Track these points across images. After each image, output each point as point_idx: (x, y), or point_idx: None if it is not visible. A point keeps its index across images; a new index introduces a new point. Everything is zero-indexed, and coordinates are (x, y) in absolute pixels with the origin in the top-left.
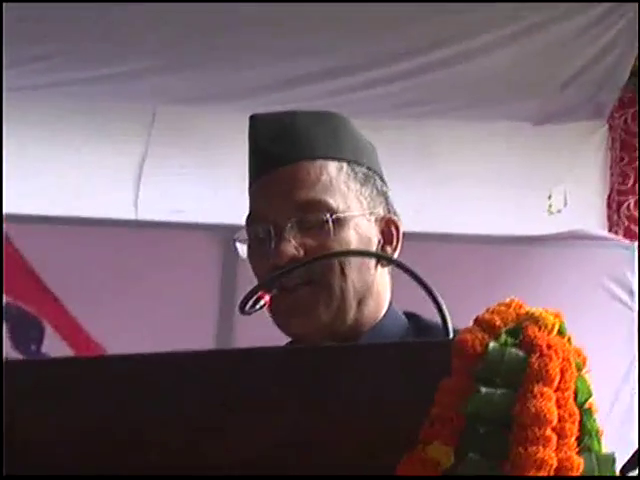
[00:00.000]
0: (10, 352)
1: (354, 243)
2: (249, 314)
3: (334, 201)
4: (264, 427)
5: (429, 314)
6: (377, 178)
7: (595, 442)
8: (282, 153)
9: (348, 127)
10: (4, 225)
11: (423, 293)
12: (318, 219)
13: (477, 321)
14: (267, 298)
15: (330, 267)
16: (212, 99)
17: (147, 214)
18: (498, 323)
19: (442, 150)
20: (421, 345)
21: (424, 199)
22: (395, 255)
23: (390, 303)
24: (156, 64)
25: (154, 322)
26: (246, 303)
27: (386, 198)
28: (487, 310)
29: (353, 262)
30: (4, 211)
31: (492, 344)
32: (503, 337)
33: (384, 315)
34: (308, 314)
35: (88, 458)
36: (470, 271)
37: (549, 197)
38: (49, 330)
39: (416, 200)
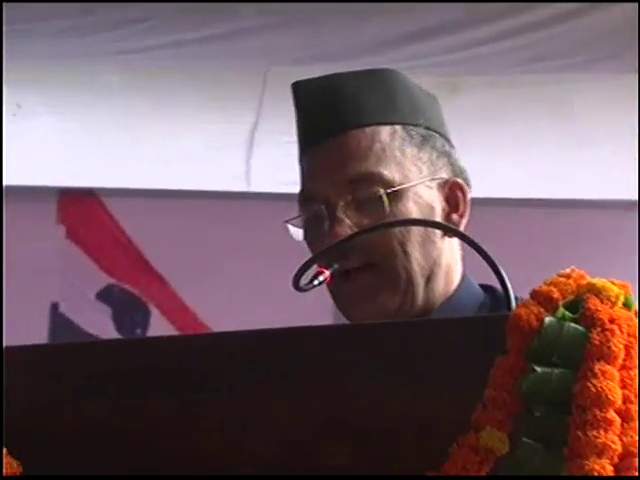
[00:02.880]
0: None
1: (415, 215)
2: (305, 291)
3: (389, 172)
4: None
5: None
6: (437, 137)
7: None
8: (328, 123)
9: (402, 84)
10: (104, 200)
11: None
12: (372, 194)
13: (533, 294)
14: (327, 274)
15: (390, 248)
16: (328, 58)
17: (259, 186)
18: (556, 296)
19: (583, 107)
20: (476, 320)
21: (561, 162)
22: (463, 222)
23: (463, 275)
24: (267, 22)
25: (267, 300)
26: (299, 277)
27: (449, 158)
28: (545, 282)
29: (415, 238)
30: (107, 185)
31: (548, 319)
32: (561, 311)
33: (456, 288)
34: (372, 301)
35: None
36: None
37: None
38: (155, 312)
39: (550, 163)
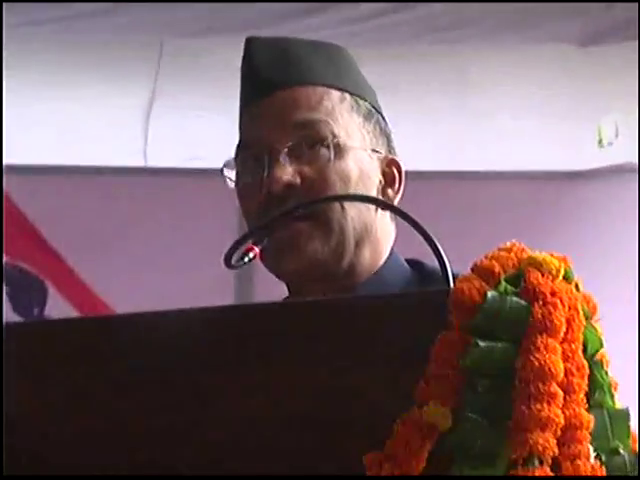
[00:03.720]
0: (11, 317)
1: (354, 176)
2: (236, 268)
3: (336, 127)
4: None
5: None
6: (380, 117)
7: (607, 397)
8: (280, 76)
9: (351, 61)
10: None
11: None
12: (317, 140)
13: (475, 268)
14: (257, 250)
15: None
16: (225, 29)
17: (158, 161)
18: (497, 270)
19: (480, 79)
20: (416, 296)
21: (461, 134)
22: (397, 198)
23: (392, 250)
24: None
25: (166, 278)
26: (232, 254)
27: (389, 139)
28: (486, 256)
29: None
30: (4, 162)
31: (491, 293)
32: (503, 285)
33: (384, 263)
34: (302, 249)
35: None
36: (512, 210)
37: (598, 128)
38: (52, 291)
39: (452, 136)
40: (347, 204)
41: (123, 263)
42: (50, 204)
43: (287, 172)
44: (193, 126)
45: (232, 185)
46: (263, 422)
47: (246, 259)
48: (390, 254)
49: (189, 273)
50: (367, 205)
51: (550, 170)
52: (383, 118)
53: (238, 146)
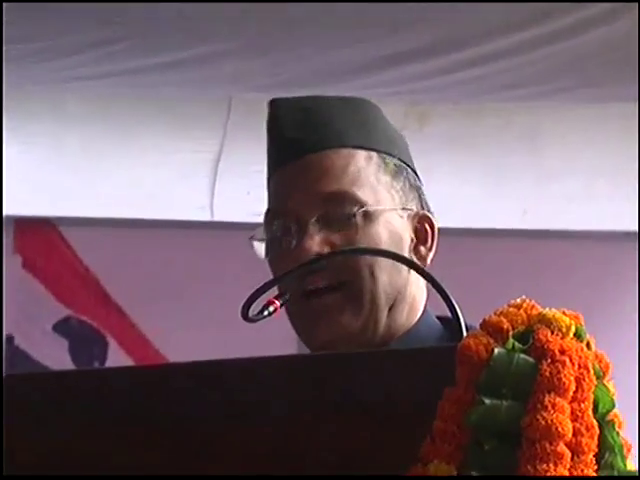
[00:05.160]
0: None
1: (384, 240)
2: (254, 321)
3: (362, 193)
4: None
5: None
6: (409, 171)
7: (618, 458)
8: (306, 140)
9: (379, 115)
10: (62, 230)
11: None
12: (345, 212)
13: (483, 324)
14: (278, 304)
15: (358, 270)
16: (294, 85)
17: (223, 216)
18: (506, 326)
19: (551, 137)
20: (425, 351)
21: (532, 194)
22: (430, 254)
23: (425, 307)
24: (231, 47)
25: (230, 334)
26: (249, 307)
27: (420, 194)
28: (495, 312)
29: (383, 263)
30: (65, 214)
31: (498, 350)
32: (511, 342)
33: (417, 321)
34: (335, 320)
35: None
36: (582, 269)
37: None
38: (113, 344)
39: (521, 193)
40: (377, 270)
41: (184, 317)
42: (113, 257)
43: (316, 242)
44: (258, 181)
45: (262, 256)
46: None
47: (266, 312)
48: (424, 311)
49: (251, 328)
50: (399, 266)
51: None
52: (414, 171)
53: (267, 213)
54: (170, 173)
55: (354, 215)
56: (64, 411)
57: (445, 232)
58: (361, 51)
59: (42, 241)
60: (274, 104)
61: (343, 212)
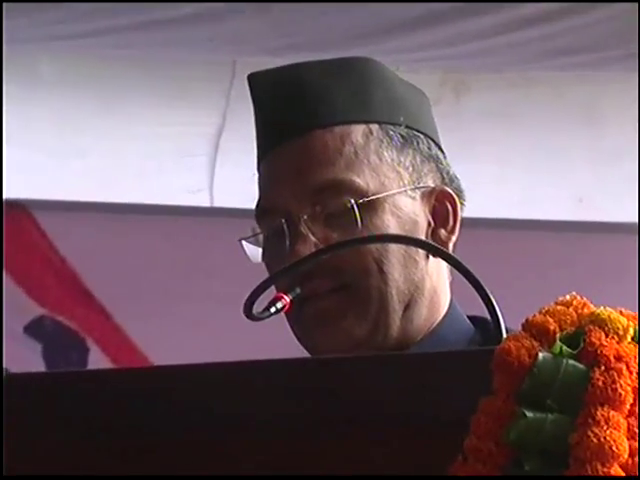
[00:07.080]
0: None
1: (393, 230)
2: (260, 319)
3: (362, 179)
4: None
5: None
6: (422, 138)
7: None
8: (289, 121)
9: (378, 75)
10: (35, 215)
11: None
12: (340, 206)
13: (526, 325)
14: (287, 300)
15: (364, 267)
16: (306, 48)
17: (223, 201)
18: (552, 327)
19: (611, 112)
20: (456, 355)
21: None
22: (453, 239)
23: (451, 304)
24: (235, 6)
25: (230, 336)
26: (252, 302)
27: (437, 164)
28: (540, 311)
29: (394, 256)
30: (38, 197)
31: (543, 355)
32: (558, 345)
33: (441, 321)
34: (335, 326)
35: None
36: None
37: None
38: (94, 350)
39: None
40: (387, 265)
41: (176, 318)
42: (94, 247)
43: (309, 245)
44: None
45: (254, 260)
46: None
47: (273, 309)
48: (449, 309)
49: (251, 329)
50: (414, 256)
51: None
52: (427, 136)
53: (257, 208)
54: (161, 150)
55: (352, 207)
56: (63, 413)
57: (482, 223)
58: (386, 10)
59: (11, 227)
60: (251, 79)
61: (339, 205)
